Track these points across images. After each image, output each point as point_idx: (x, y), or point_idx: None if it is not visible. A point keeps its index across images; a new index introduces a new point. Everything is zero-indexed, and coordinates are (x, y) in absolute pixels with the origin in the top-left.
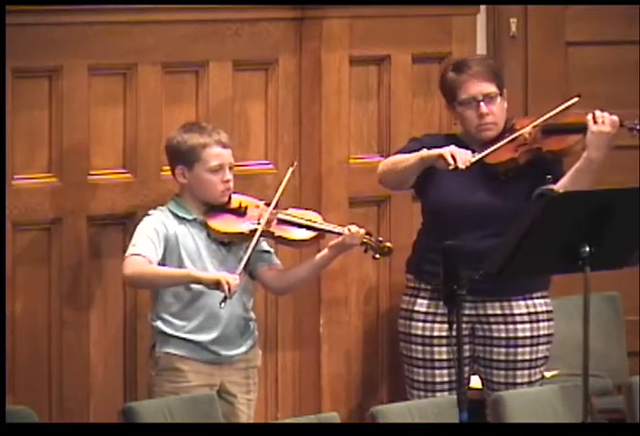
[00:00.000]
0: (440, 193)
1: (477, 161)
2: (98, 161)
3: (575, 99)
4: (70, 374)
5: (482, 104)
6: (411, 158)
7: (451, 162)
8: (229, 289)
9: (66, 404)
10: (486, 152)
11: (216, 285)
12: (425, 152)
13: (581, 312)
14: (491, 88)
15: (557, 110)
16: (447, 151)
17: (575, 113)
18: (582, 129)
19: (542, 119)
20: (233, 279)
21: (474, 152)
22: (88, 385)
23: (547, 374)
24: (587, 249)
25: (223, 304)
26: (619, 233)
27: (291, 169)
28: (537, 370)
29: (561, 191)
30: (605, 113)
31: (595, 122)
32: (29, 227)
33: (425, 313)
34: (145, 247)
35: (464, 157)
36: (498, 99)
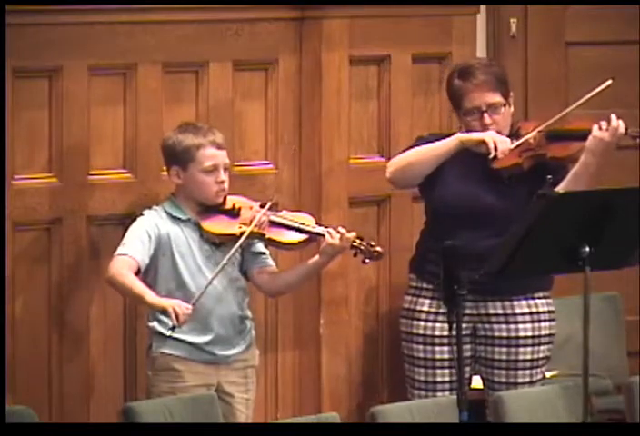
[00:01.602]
0: (445, 194)
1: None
2: (98, 161)
3: (609, 81)
4: (70, 374)
5: (485, 115)
6: (445, 144)
7: (492, 150)
8: (177, 318)
9: (66, 404)
10: (520, 141)
11: (166, 312)
12: (462, 135)
13: (581, 312)
14: (495, 98)
15: (591, 94)
16: (490, 137)
17: (580, 120)
18: (586, 136)
19: (573, 107)
20: (183, 309)
21: (512, 138)
22: (88, 385)
23: (547, 374)
24: (587, 249)
25: (170, 332)
26: (619, 233)
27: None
28: (538, 370)
29: (561, 191)
30: (614, 123)
31: (600, 128)
32: (29, 227)
33: (427, 313)
34: (133, 248)
35: (503, 146)
36: (502, 109)
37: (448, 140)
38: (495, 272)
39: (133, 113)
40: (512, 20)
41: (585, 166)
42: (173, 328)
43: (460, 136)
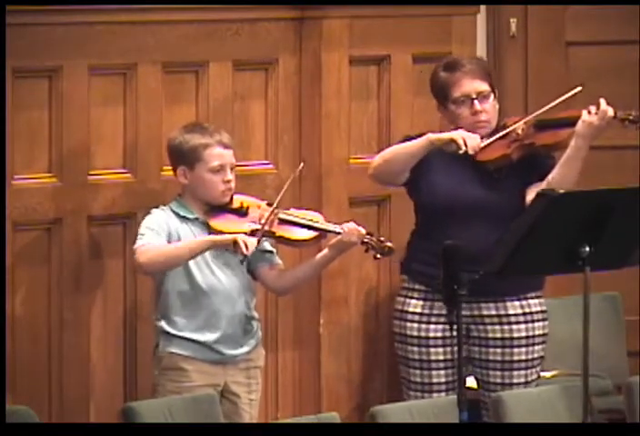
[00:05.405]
0: (433, 191)
1: (485, 147)
2: (98, 161)
3: (579, 88)
4: (70, 374)
5: (476, 101)
6: (416, 143)
7: (462, 146)
8: (246, 248)
9: (66, 404)
10: (494, 138)
11: (234, 245)
12: (432, 135)
13: (581, 312)
14: (484, 86)
15: (560, 100)
16: (459, 135)
17: (570, 109)
18: (574, 123)
19: (542, 110)
20: (250, 239)
21: (482, 138)
22: (88, 385)
23: (547, 374)
24: (587, 249)
25: (244, 263)
26: (619, 233)
27: (298, 168)
28: (534, 370)
29: (562, 191)
30: (603, 106)
31: (589, 113)
32: (29, 227)
33: (420, 314)
34: (153, 237)
35: (474, 142)
36: (491, 98)
37: (419, 140)
38: (495, 272)
39: (133, 113)
40: (512, 20)
41: (576, 151)
42: (244, 258)
43: (430, 136)
